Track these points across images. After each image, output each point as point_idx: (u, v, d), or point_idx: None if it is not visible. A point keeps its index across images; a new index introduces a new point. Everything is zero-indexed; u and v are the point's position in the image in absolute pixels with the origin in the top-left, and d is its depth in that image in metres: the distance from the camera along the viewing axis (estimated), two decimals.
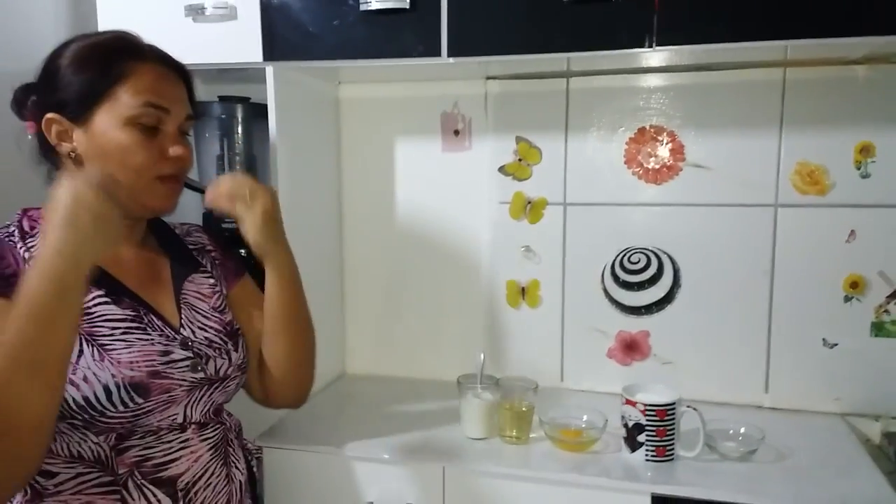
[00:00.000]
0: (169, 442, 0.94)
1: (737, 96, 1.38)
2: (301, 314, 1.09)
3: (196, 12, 1.28)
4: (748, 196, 1.39)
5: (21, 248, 0.89)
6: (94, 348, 0.87)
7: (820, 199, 1.36)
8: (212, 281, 1.06)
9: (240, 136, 1.47)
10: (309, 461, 1.25)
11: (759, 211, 1.39)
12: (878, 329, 1.37)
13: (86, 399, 0.85)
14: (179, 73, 0.99)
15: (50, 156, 0.95)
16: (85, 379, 0.85)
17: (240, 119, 1.47)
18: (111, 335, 0.89)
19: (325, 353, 1.53)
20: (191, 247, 1.09)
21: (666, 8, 1.10)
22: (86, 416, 0.86)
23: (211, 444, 0.99)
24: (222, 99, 1.47)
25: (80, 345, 0.87)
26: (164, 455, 0.93)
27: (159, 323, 0.94)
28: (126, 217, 0.93)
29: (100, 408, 0.86)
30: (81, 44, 0.93)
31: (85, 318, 0.88)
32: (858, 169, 1.34)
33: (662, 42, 1.12)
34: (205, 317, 1.01)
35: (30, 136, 0.96)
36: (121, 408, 0.87)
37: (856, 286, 1.36)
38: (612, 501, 1.11)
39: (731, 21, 1.10)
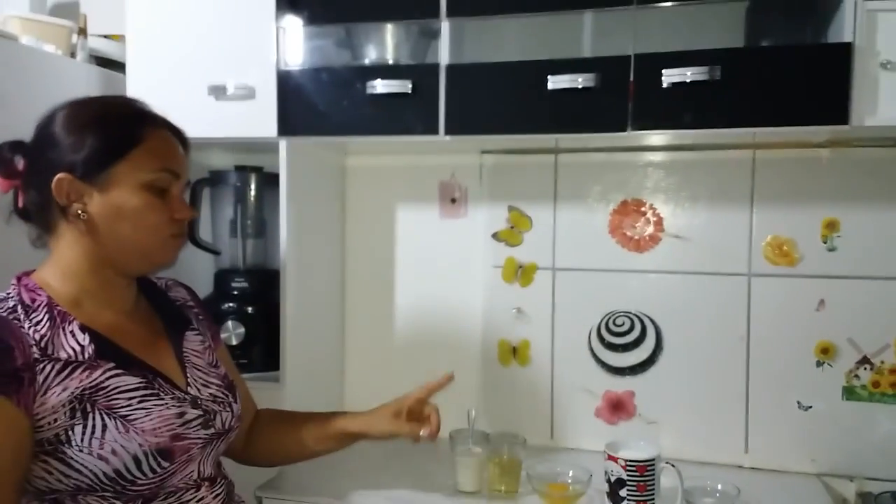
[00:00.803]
0: (187, 501, 0.95)
1: (711, 174, 1.50)
2: None
3: (218, 92, 1.40)
4: (723, 265, 1.49)
5: (28, 327, 0.87)
6: (117, 421, 0.87)
7: (790, 270, 1.46)
8: (200, 338, 1.08)
9: (252, 202, 1.59)
10: None
11: (734, 280, 1.49)
12: (850, 393, 1.44)
13: (116, 472, 0.86)
14: (181, 139, 1.03)
15: (44, 215, 0.94)
16: (114, 452, 0.86)
17: (253, 187, 1.58)
18: (129, 406, 0.89)
19: (325, 406, 1.60)
20: (176, 303, 1.11)
21: (640, 97, 1.23)
22: (117, 488, 0.87)
23: (221, 501, 1.01)
24: (238, 168, 1.59)
25: (103, 420, 0.86)
26: None
27: (168, 386, 0.95)
28: (128, 276, 0.99)
29: (130, 477, 0.87)
30: (91, 107, 0.95)
31: (100, 393, 0.88)
32: (825, 243, 1.45)
33: (637, 128, 1.24)
34: (205, 373, 1.04)
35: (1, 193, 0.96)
36: (150, 475, 0.89)
37: (827, 352, 1.45)
38: None
39: (699, 110, 1.22)
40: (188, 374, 1.01)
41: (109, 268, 0.96)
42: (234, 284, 1.55)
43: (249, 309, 1.51)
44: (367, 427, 1.20)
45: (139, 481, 0.88)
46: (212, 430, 0.98)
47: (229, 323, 1.49)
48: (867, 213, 1.42)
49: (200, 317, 1.13)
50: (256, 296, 1.53)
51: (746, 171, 1.48)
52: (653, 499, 1.22)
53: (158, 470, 0.90)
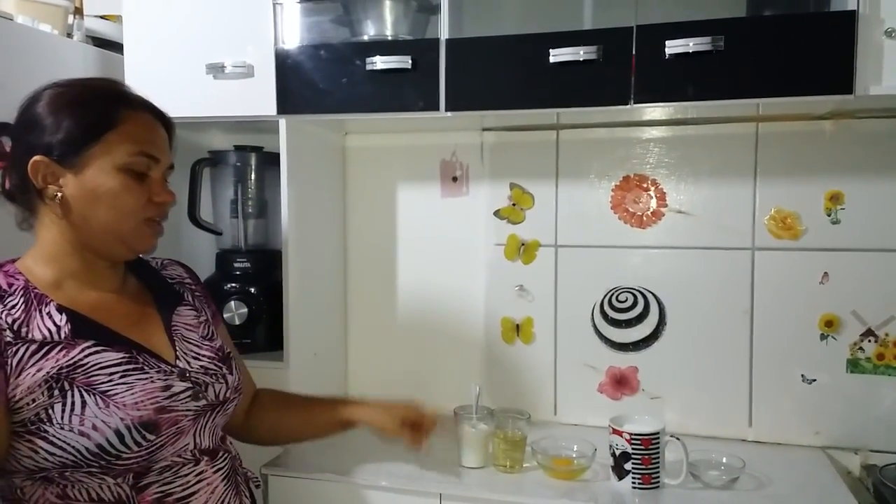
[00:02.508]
0: (185, 476, 0.95)
1: (714, 148, 1.49)
2: None
3: (216, 70, 1.39)
4: (727, 240, 1.49)
5: (2, 312, 0.88)
6: (97, 396, 0.87)
7: (794, 244, 1.46)
8: (195, 312, 1.08)
9: (253, 182, 1.58)
10: (312, 489, 1.31)
11: (737, 254, 1.48)
12: (854, 366, 1.44)
13: (99, 446, 0.86)
14: (164, 123, 1.01)
15: (25, 198, 0.95)
16: (94, 427, 0.86)
17: (253, 166, 1.57)
18: (110, 381, 0.89)
19: (329, 386, 1.61)
20: (169, 280, 1.12)
21: (642, 69, 1.22)
22: (102, 463, 0.87)
23: (223, 475, 1.01)
24: (237, 148, 1.58)
25: (82, 396, 0.86)
26: (183, 489, 0.94)
27: (154, 360, 0.95)
28: (109, 260, 0.99)
29: (114, 452, 0.87)
30: (71, 88, 0.94)
31: (79, 370, 0.88)
32: (829, 215, 1.44)
33: (640, 100, 1.23)
34: (196, 346, 1.03)
35: None
36: (135, 448, 0.88)
37: (831, 325, 1.44)
38: None
39: (702, 81, 1.20)
40: (177, 347, 1.00)
41: (89, 251, 0.96)
42: (235, 265, 1.54)
43: (252, 289, 1.51)
44: (371, 421, 1.21)
45: (124, 455, 0.88)
46: (203, 402, 0.98)
47: (232, 303, 1.49)
48: (871, 185, 1.41)
49: (197, 293, 1.13)
50: (258, 276, 1.53)
51: (749, 144, 1.47)
52: (657, 472, 1.23)
53: (143, 443, 0.89)
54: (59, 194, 0.92)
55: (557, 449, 1.33)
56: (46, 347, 0.88)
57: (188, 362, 1.00)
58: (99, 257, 0.97)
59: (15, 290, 0.91)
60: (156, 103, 1.02)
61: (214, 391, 1.01)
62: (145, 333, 0.98)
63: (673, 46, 1.19)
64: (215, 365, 1.03)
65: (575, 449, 1.33)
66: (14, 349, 0.87)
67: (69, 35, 1.52)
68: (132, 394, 0.89)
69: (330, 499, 1.31)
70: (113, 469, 0.89)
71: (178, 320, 1.04)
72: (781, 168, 1.46)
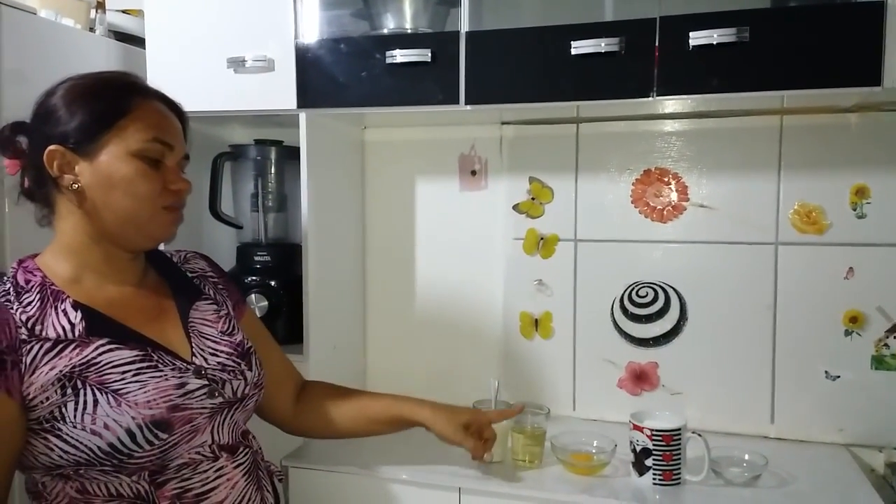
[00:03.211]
0: (205, 472, 0.94)
1: (737, 141, 1.47)
2: None
3: (237, 64, 1.40)
4: (750, 234, 1.47)
5: (17, 309, 0.89)
6: (109, 395, 0.87)
7: (818, 238, 1.43)
8: (215, 307, 1.07)
9: (273, 176, 1.59)
10: (333, 481, 1.32)
11: (760, 249, 1.46)
12: (879, 362, 1.42)
13: (111, 445, 0.86)
14: (177, 113, 1.01)
15: (43, 192, 0.95)
16: (106, 426, 0.86)
17: (273, 160, 1.58)
18: (122, 379, 0.89)
19: (348, 382, 1.61)
20: (190, 274, 1.10)
21: (665, 61, 1.20)
22: (114, 461, 0.87)
23: (244, 470, 1.00)
24: (258, 142, 1.59)
25: (94, 395, 0.86)
26: (203, 485, 0.94)
27: (169, 357, 0.94)
28: (128, 251, 0.98)
29: (126, 451, 0.87)
30: (84, 80, 0.95)
31: (91, 369, 0.88)
32: (854, 210, 1.42)
33: (662, 93, 1.21)
34: (214, 342, 1.02)
35: (9, 175, 0.97)
36: (147, 447, 0.88)
37: (855, 321, 1.42)
38: None
39: (726, 73, 1.19)
40: (193, 344, 0.99)
41: (108, 241, 0.96)
42: (256, 258, 1.55)
43: (272, 282, 1.52)
44: (432, 423, 1.19)
45: (136, 454, 0.87)
46: (220, 400, 0.97)
47: (252, 296, 1.49)
48: None
49: (220, 286, 1.12)
50: (278, 269, 1.54)
51: (773, 137, 1.45)
52: (679, 468, 1.22)
53: (156, 442, 0.89)
54: (76, 183, 0.92)
55: (577, 444, 1.32)
56: (60, 345, 0.88)
57: (205, 359, 0.98)
58: (118, 248, 0.97)
59: (32, 287, 0.92)
60: (176, 97, 1.02)
61: (232, 388, 0.99)
62: (161, 329, 0.98)
63: (697, 38, 1.17)
64: (233, 361, 1.01)
65: (595, 444, 1.32)
66: (28, 347, 0.87)
67: (91, 29, 1.54)
68: (144, 392, 0.89)
69: (350, 491, 1.31)
70: (126, 467, 0.88)
71: (197, 315, 1.03)
72: (806, 161, 1.43)
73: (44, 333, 0.88)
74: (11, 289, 0.91)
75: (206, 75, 1.42)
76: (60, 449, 0.86)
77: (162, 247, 1.10)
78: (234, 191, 1.61)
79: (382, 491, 1.29)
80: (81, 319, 0.90)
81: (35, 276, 0.93)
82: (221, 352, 1.01)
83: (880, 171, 1.40)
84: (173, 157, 0.98)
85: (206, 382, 0.96)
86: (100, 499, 0.89)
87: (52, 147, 0.91)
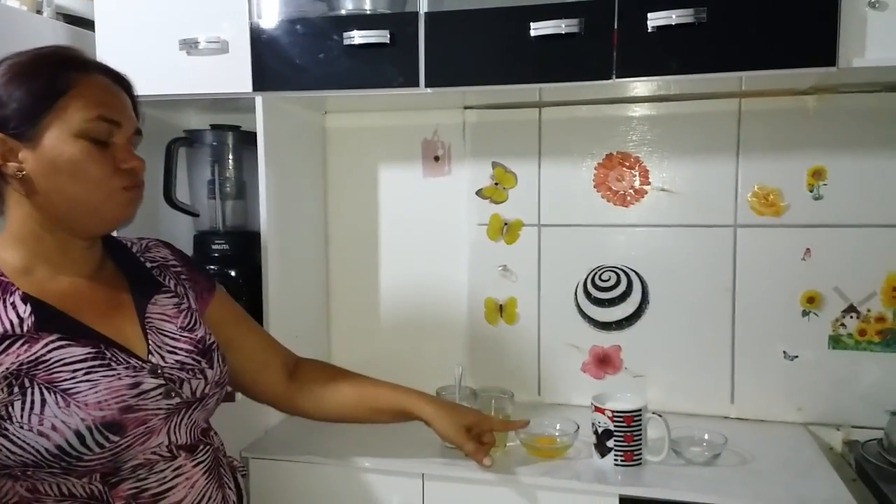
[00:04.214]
0: (161, 471, 0.90)
1: (697, 125, 1.48)
2: None
3: (190, 46, 1.36)
4: (709, 217, 1.48)
5: None
6: (57, 395, 0.82)
7: (776, 220, 1.45)
8: (175, 300, 1.01)
9: (230, 162, 1.55)
10: (293, 471, 1.30)
11: (719, 231, 1.48)
12: (836, 342, 1.45)
13: (59, 447, 0.82)
14: (124, 86, 0.95)
15: None
16: (54, 428, 0.81)
17: (230, 146, 1.54)
18: (73, 378, 0.84)
19: None
20: (150, 264, 1.04)
21: (624, 43, 1.20)
22: (63, 464, 0.83)
23: (205, 468, 0.96)
24: (214, 127, 1.55)
25: (42, 394, 0.82)
26: (160, 485, 0.90)
27: (123, 355, 0.89)
28: (84, 238, 0.93)
29: (75, 453, 0.82)
30: (20, 59, 0.88)
31: (41, 366, 0.83)
32: (811, 191, 1.44)
33: (622, 75, 1.21)
34: (173, 339, 0.96)
35: None
36: (97, 450, 0.83)
37: (812, 301, 1.44)
38: (583, 503, 1.17)
39: (685, 54, 1.19)
40: (150, 340, 0.94)
41: (62, 230, 0.91)
42: (214, 246, 1.51)
43: (231, 272, 1.48)
44: (434, 421, 1.17)
45: (86, 457, 0.83)
46: (177, 400, 0.92)
47: None
48: (854, 160, 1.41)
49: (183, 276, 1.06)
50: (237, 258, 1.50)
51: (732, 121, 1.46)
52: (640, 449, 1.22)
53: (107, 444, 0.84)
54: (20, 171, 0.86)
55: (540, 427, 1.32)
56: (8, 341, 0.83)
57: (162, 357, 0.93)
58: (73, 236, 0.92)
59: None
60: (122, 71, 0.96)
61: (191, 388, 0.95)
62: (116, 325, 0.92)
63: (655, 19, 1.17)
64: (193, 359, 0.96)
65: (558, 427, 1.32)
66: None
67: (39, 12, 1.48)
68: (95, 392, 0.84)
69: (312, 481, 1.29)
70: (76, 470, 0.84)
71: (155, 310, 0.98)
72: (764, 144, 1.45)
73: None
74: None
75: (158, 58, 1.38)
76: (7, 449, 0.82)
77: (123, 233, 1.06)
78: (190, 178, 1.57)
79: (345, 480, 1.28)
80: (31, 314, 0.85)
81: None
82: (180, 349, 0.96)
83: (837, 153, 1.42)
84: (122, 134, 0.91)
85: (163, 382, 0.91)
86: (51, 498, 0.85)
87: None
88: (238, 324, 1.13)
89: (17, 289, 0.87)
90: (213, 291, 1.11)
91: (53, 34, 1.45)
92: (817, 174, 1.43)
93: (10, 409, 0.81)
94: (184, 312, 1.01)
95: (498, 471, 1.23)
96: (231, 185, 1.55)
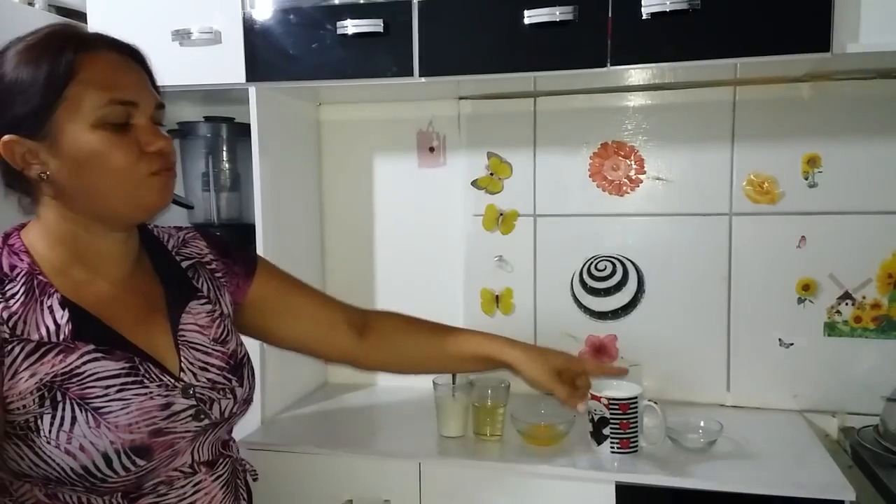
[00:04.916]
0: (182, 487, 0.87)
1: (692, 114, 1.47)
2: None
3: (182, 37, 1.35)
4: (705, 206, 1.48)
5: (0, 304, 0.80)
6: (89, 414, 0.79)
7: (771, 208, 1.45)
8: (209, 307, 0.96)
9: (225, 154, 1.55)
10: (291, 461, 1.30)
11: (715, 220, 1.48)
12: (831, 329, 1.45)
13: (84, 468, 0.78)
14: (136, 58, 0.87)
15: (17, 182, 0.84)
16: (81, 448, 0.78)
17: (224, 138, 1.54)
18: (105, 395, 0.80)
19: (307, 364, 1.59)
20: (186, 262, 0.98)
21: (618, 30, 1.20)
22: (86, 484, 0.80)
23: (223, 482, 0.93)
24: (208, 119, 1.54)
25: (73, 411, 0.78)
26: (179, 500, 0.87)
27: (157, 371, 0.85)
28: (122, 229, 0.88)
29: (100, 476, 0.79)
30: (19, 48, 0.80)
31: (74, 379, 0.79)
32: (806, 179, 1.44)
33: (617, 62, 1.21)
34: (206, 353, 0.92)
35: None
36: (122, 473, 0.80)
37: (808, 289, 1.45)
38: (579, 491, 1.18)
39: (679, 41, 1.19)
40: (182, 357, 0.89)
41: (99, 224, 0.85)
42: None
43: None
44: (523, 365, 1.10)
45: (110, 479, 0.80)
46: (206, 422, 0.88)
47: None
48: (848, 147, 1.41)
49: (217, 273, 0.99)
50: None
51: (727, 109, 1.46)
52: (636, 436, 1.23)
53: (133, 469, 0.81)
54: (44, 173, 0.81)
55: (536, 416, 1.32)
56: (43, 349, 0.79)
57: (194, 374, 0.89)
58: (112, 229, 0.87)
59: (17, 276, 0.82)
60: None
61: (220, 408, 0.90)
62: (150, 335, 0.88)
63: (649, 5, 1.17)
64: (224, 377, 0.91)
65: (554, 416, 1.32)
66: (10, 348, 0.78)
67: (30, 3, 1.47)
68: (127, 413, 0.80)
69: (309, 471, 1.29)
70: (98, 490, 0.81)
71: (188, 320, 0.92)
72: (759, 132, 1.45)
73: (26, 334, 0.79)
74: None
75: (150, 49, 1.32)
76: (31, 460, 0.79)
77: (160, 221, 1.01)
78: (184, 170, 1.57)
79: (342, 469, 1.28)
80: (68, 321, 0.81)
81: (22, 260, 0.83)
82: (212, 366, 0.91)
83: (831, 140, 1.42)
84: (142, 113, 0.83)
85: (194, 403, 0.87)
86: None
87: (5, 139, 0.80)
88: (289, 291, 1.08)
89: (56, 291, 0.83)
90: (253, 274, 1.04)
91: None
92: (812, 162, 1.43)
93: (39, 421, 0.78)
94: (217, 322, 0.95)
95: (494, 458, 1.23)
96: (225, 177, 1.55)
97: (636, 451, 1.23)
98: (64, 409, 0.78)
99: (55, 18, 1.48)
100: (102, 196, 0.82)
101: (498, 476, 1.21)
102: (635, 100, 1.50)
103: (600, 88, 1.51)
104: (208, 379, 0.90)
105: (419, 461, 1.24)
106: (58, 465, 0.78)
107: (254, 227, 1.40)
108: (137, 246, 0.93)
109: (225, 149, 1.55)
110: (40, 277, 0.83)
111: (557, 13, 1.20)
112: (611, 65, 1.22)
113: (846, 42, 1.14)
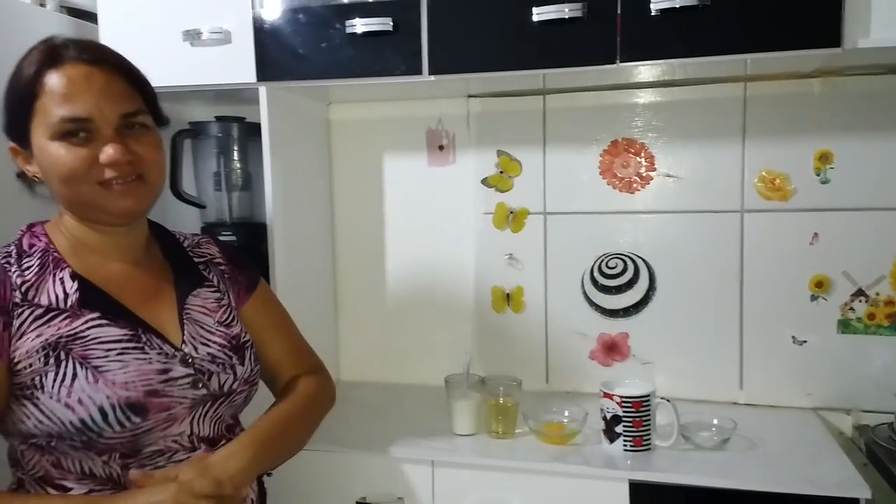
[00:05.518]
0: (180, 461, 0.91)
1: (702, 110, 1.47)
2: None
3: (193, 37, 1.36)
4: (716, 203, 1.47)
5: (14, 272, 0.88)
6: (89, 371, 0.85)
7: (783, 205, 1.44)
8: (217, 295, 1.03)
9: (236, 153, 1.55)
10: (305, 459, 1.28)
11: (726, 217, 1.47)
12: (845, 326, 1.44)
13: (82, 421, 0.84)
14: (111, 64, 0.90)
15: (29, 180, 0.95)
16: (80, 402, 0.84)
17: (235, 137, 1.54)
18: (106, 356, 0.87)
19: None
20: (198, 259, 1.06)
21: (628, 26, 1.19)
22: (84, 438, 0.85)
23: None
24: (219, 119, 1.55)
25: (74, 368, 0.85)
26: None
27: (158, 341, 0.91)
28: (105, 227, 0.93)
29: (96, 429, 0.85)
30: (18, 63, 0.90)
31: (78, 341, 0.86)
32: (818, 175, 1.43)
33: (626, 59, 1.20)
34: (209, 332, 0.98)
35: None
36: (117, 428, 0.85)
37: (821, 286, 1.44)
38: (593, 489, 1.17)
39: (689, 37, 1.18)
40: (186, 331, 0.95)
41: (85, 221, 0.93)
42: (221, 238, 1.51)
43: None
44: None
45: (106, 433, 0.85)
46: (203, 392, 0.93)
47: None
48: (860, 143, 1.40)
49: (227, 274, 1.07)
50: (244, 249, 1.50)
51: (737, 106, 1.45)
52: (649, 434, 1.22)
53: (128, 424, 0.86)
54: (36, 175, 0.92)
55: (549, 414, 1.32)
56: (51, 314, 0.87)
57: (195, 347, 0.95)
58: (96, 225, 0.93)
59: (34, 252, 0.91)
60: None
61: (219, 381, 0.95)
62: (155, 311, 0.95)
63: (659, 1, 1.16)
64: (225, 354, 0.97)
65: (566, 414, 1.32)
66: (20, 311, 0.86)
67: (42, 4, 1.48)
68: (124, 372, 0.87)
69: (323, 468, 1.30)
70: (96, 445, 0.86)
71: (195, 302, 0.99)
72: (770, 129, 1.44)
73: (37, 300, 0.87)
74: (14, 251, 0.91)
75: (161, 49, 1.38)
76: (35, 418, 0.85)
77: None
78: (196, 169, 1.57)
79: (356, 467, 1.28)
80: (76, 290, 0.89)
81: (40, 240, 0.93)
82: (214, 342, 0.97)
83: (843, 136, 1.41)
84: (104, 125, 0.88)
85: (192, 372, 0.92)
86: (73, 476, 0.88)
87: (9, 144, 0.92)
88: (264, 331, 1.09)
89: (68, 266, 0.91)
90: (252, 292, 1.10)
91: (57, 27, 1.45)
92: (824, 158, 1.42)
93: (43, 379, 0.85)
94: (223, 308, 1.02)
95: (507, 457, 1.23)
96: (237, 176, 1.56)
97: (649, 448, 1.22)
98: (66, 367, 0.85)
99: (66, 19, 1.49)
100: (65, 199, 0.91)
101: (511, 474, 1.21)
102: (645, 96, 1.50)
103: (610, 85, 1.50)
104: (208, 353, 0.96)
105: (432, 459, 1.24)
106: (58, 418, 0.84)
107: (265, 225, 1.40)
108: (145, 238, 1.00)
109: (236, 148, 1.55)
110: (55, 255, 0.91)
111: (566, 10, 1.20)
112: (620, 61, 1.21)
113: (857, 37, 1.13)
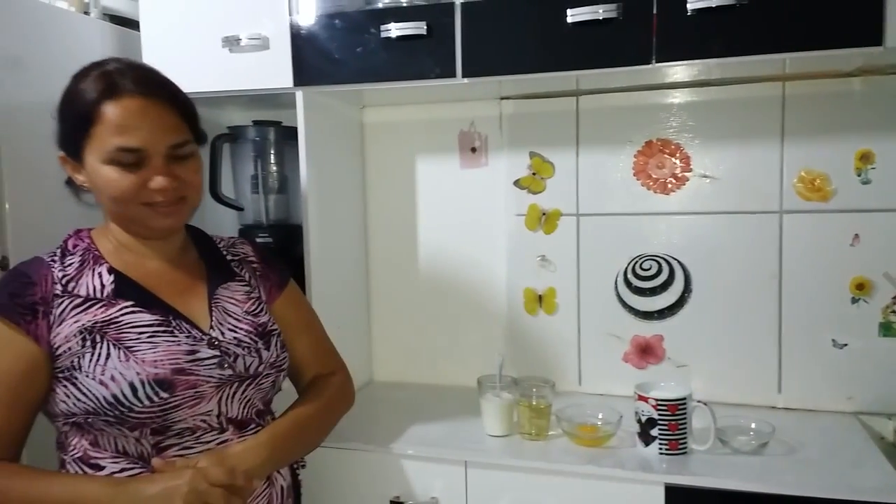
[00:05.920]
0: (208, 442, 0.96)
1: (739, 110, 1.45)
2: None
3: (232, 43, 1.39)
4: (754, 204, 1.45)
5: (58, 268, 0.97)
6: (121, 351, 0.93)
7: (823, 205, 1.42)
8: (247, 289, 1.08)
9: (272, 157, 1.58)
10: (340, 458, 1.32)
11: (765, 218, 1.45)
12: (886, 329, 1.41)
13: (114, 396, 0.91)
14: (164, 97, 0.96)
15: (76, 186, 1.02)
16: (112, 378, 0.91)
17: (272, 141, 1.57)
18: (138, 339, 0.94)
19: (354, 362, 1.60)
20: (232, 258, 1.12)
21: (663, 27, 1.19)
22: (116, 413, 0.91)
23: None
24: (256, 123, 1.58)
25: (108, 349, 0.92)
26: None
27: (187, 326, 0.98)
28: (147, 238, 1.01)
29: (127, 403, 0.91)
30: (71, 83, 0.96)
31: (112, 326, 0.94)
32: (859, 175, 1.40)
33: (662, 59, 1.20)
34: (236, 319, 1.04)
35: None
36: (146, 402, 0.91)
37: (862, 288, 1.41)
38: (627, 492, 1.16)
39: (726, 37, 1.17)
40: (214, 318, 1.02)
41: (130, 233, 1.01)
42: (258, 240, 1.54)
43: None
44: None
45: (136, 408, 0.91)
46: (229, 372, 0.98)
47: None
48: None
49: (259, 272, 1.12)
50: (280, 251, 1.53)
51: (776, 105, 1.43)
52: (685, 437, 1.21)
53: (156, 399, 0.92)
54: (84, 184, 0.99)
55: (582, 416, 1.32)
56: (89, 303, 0.95)
57: (222, 332, 1.01)
58: (137, 233, 1.01)
59: (77, 251, 1.00)
60: (169, 75, 0.99)
61: (244, 363, 1.01)
62: (186, 302, 1.01)
63: (695, 1, 1.15)
64: (251, 339, 1.03)
65: (600, 416, 1.32)
66: (60, 301, 0.94)
67: (86, 12, 1.53)
68: (154, 352, 0.94)
69: (358, 467, 1.31)
70: (128, 420, 0.92)
71: (225, 293, 1.06)
72: (809, 128, 1.42)
73: (76, 291, 0.96)
74: (59, 251, 1.00)
75: (201, 55, 1.41)
76: (74, 397, 0.92)
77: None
78: (234, 173, 1.61)
79: (391, 466, 1.29)
80: (112, 282, 0.97)
81: (83, 241, 1.01)
82: (241, 328, 1.03)
83: (885, 135, 1.38)
84: (154, 155, 0.95)
85: (218, 354, 0.98)
86: (108, 454, 0.95)
87: (59, 153, 0.99)
88: (292, 328, 1.13)
89: (106, 262, 0.99)
90: (282, 289, 1.15)
91: (100, 35, 1.49)
92: (865, 158, 1.39)
93: (80, 360, 0.93)
94: (253, 300, 1.08)
95: (540, 459, 1.23)
96: (273, 179, 1.58)
97: (685, 452, 1.21)
98: (101, 348, 0.93)
99: (109, 27, 1.53)
100: (113, 214, 1.00)
101: (544, 476, 1.21)
102: (680, 96, 1.48)
103: (644, 86, 1.49)
104: (235, 337, 1.02)
105: (465, 460, 1.24)
106: (93, 395, 0.92)
107: (301, 227, 1.43)
108: (182, 240, 1.08)
109: (273, 152, 1.58)
110: (96, 253, 1.00)
111: (601, 11, 1.20)
112: (656, 62, 1.20)
113: None
